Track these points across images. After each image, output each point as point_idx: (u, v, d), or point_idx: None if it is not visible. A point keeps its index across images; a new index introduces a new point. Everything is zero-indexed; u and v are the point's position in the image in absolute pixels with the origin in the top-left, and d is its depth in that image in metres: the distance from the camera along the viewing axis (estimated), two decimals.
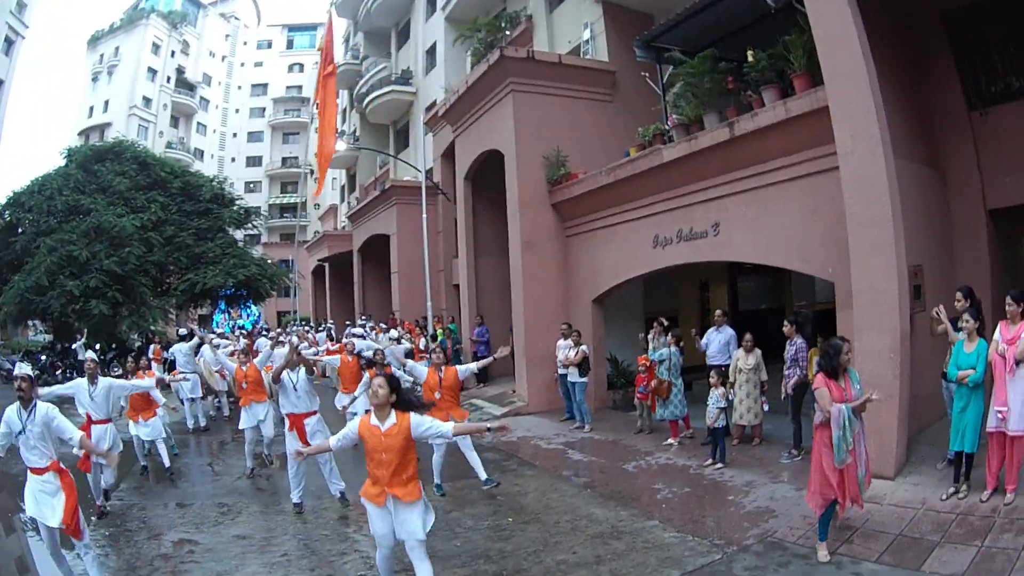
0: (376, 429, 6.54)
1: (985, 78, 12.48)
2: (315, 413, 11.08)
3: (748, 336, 12.94)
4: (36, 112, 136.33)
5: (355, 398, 13.50)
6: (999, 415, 8.08)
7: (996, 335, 8.40)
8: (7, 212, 34.99)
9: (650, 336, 14.82)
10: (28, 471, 7.67)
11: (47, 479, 7.58)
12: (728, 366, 12.94)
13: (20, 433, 7.51)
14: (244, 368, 13.62)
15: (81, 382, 11.14)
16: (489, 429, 7.08)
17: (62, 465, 7.79)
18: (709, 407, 11.94)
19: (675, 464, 12.40)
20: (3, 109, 50.06)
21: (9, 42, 49.39)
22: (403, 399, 6.72)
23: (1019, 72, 12.08)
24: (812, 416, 8.18)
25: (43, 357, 29.15)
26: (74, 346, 27.29)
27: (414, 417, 6.61)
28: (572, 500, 10.74)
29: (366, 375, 13.29)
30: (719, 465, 11.72)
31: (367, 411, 7.01)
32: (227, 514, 10.92)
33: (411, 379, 12.02)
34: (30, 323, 39.39)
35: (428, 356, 14.53)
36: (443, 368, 11.50)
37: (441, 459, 11.24)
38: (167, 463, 13.43)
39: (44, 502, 7.52)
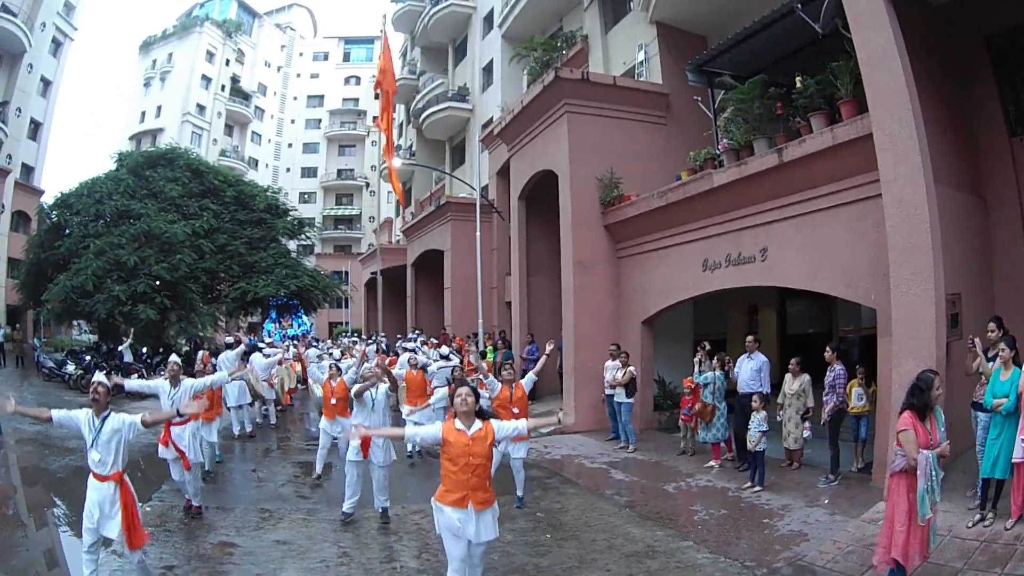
0: (463, 434, 6.91)
1: None
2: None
3: (794, 360, 13.13)
4: (85, 114, 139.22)
5: (414, 410, 13.94)
6: None
7: None
8: (55, 213, 35.60)
9: (696, 359, 15.13)
10: (91, 475, 7.88)
11: (107, 487, 7.79)
12: (760, 393, 12.96)
13: (93, 443, 7.75)
14: (334, 383, 13.90)
15: (163, 383, 11.37)
16: (559, 421, 7.64)
17: (125, 477, 8.00)
18: (750, 431, 12.19)
19: (715, 486, 12.70)
20: (51, 110, 51.27)
21: (57, 43, 50.57)
22: (482, 409, 7.23)
23: None
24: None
25: (87, 357, 29.36)
26: (120, 348, 28.05)
27: (495, 422, 7.15)
28: (611, 519, 11.04)
29: (441, 391, 13.78)
30: (757, 488, 11.97)
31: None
32: (268, 519, 11.22)
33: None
34: (74, 322, 40.08)
35: (477, 372, 14.94)
36: (513, 384, 11.98)
37: (523, 477, 11.61)
38: (207, 465, 13.75)
39: (103, 511, 7.74)
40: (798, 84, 13.70)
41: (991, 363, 9.15)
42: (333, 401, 13.60)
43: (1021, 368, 8.74)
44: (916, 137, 10.33)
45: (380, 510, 11.12)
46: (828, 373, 12.27)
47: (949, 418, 10.19)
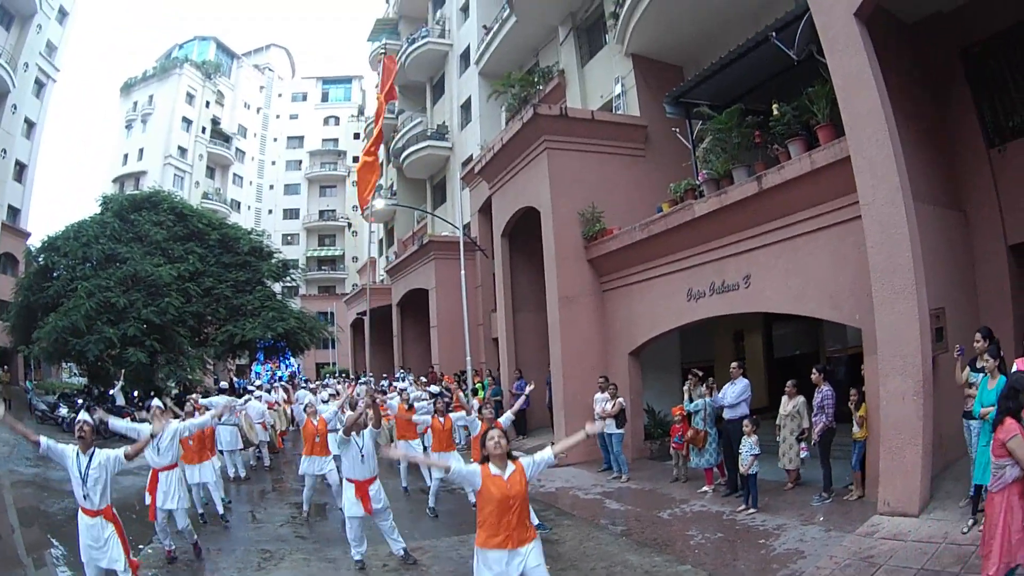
0: (499, 479, 6.96)
1: (1003, 113, 12.99)
2: (375, 478, 11.03)
3: (790, 382, 13.23)
4: (69, 156, 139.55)
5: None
6: None
7: (1014, 370, 8.73)
8: (42, 256, 35.29)
9: (686, 387, 15.26)
10: (79, 510, 8.21)
11: (96, 523, 8.11)
12: (751, 417, 13.05)
13: (82, 479, 8.04)
14: (315, 422, 14.16)
15: (144, 429, 11.09)
16: (587, 435, 7.61)
17: (114, 511, 8.32)
18: (742, 454, 12.36)
19: (709, 511, 12.82)
20: (35, 151, 51.38)
21: (40, 84, 50.77)
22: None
23: None
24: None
25: (79, 400, 29.19)
26: (111, 391, 27.89)
27: (523, 459, 7.22)
28: (608, 548, 11.17)
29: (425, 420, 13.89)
30: (752, 510, 12.11)
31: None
32: (270, 560, 11.36)
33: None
34: (64, 364, 39.86)
35: (465, 408, 15.05)
36: (494, 424, 12.01)
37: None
38: (220, 509, 13.90)
39: (100, 547, 8.09)
40: (775, 111, 13.96)
41: (977, 374, 9.39)
42: (317, 439, 13.84)
43: (1007, 377, 8.90)
44: (894, 158, 10.55)
45: (401, 553, 10.98)
46: (816, 394, 12.38)
47: (939, 430, 10.47)
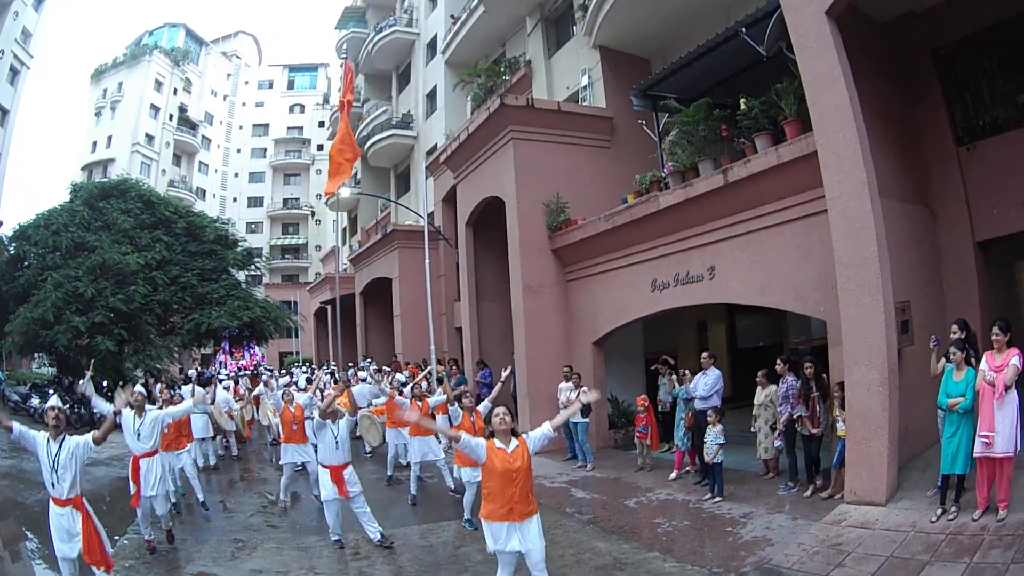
0: (503, 452, 7.35)
1: (972, 112, 13.20)
2: (349, 464, 11.27)
3: (761, 372, 13.31)
4: (40, 142, 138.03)
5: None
6: (984, 441, 8.60)
7: (983, 364, 8.92)
8: (13, 245, 35.06)
9: (666, 378, 15.62)
10: (49, 500, 8.08)
11: (66, 512, 7.98)
12: (715, 407, 13.05)
13: (52, 466, 7.91)
14: (292, 408, 14.14)
15: (127, 414, 11.22)
16: (583, 403, 8.06)
17: (84, 500, 8.16)
18: (707, 443, 12.40)
19: (675, 499, 12.86)
20: (8, 139, 50.48)
21: (14, 72, 49.87)
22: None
23: (1005, 104, 12.77)
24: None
25: (51, 391, 28.54)
26: (81, 381, 27.83)
27: (527, 435, 7.57)
28: (576, 535, 11.20)
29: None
30: (718, 499, 12.16)
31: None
32: (243, 549, 11.29)
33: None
34: (35, 355, 39.55)
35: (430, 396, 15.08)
36: (474, 412, 12.30)
37: (472, 497, 11.52)
38: (201, 497, 13.83)
39: (63, 536, 7.97)
40: (742, 106, 14.06)
41: (943, 363, 9.57)
42: (295, 427, 13.73)
43: (976, 369, 9.03)
44: (861, 154, 10.63)
45: (378, 537, 11.12)
46: (780, 384, 12.42)
47: (906, 420, 10.65)
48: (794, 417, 11.92)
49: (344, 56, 43.31)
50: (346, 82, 30.27)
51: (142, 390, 11.95)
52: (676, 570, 9.14)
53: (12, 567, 10.96)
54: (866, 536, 9.03)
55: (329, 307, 46.15)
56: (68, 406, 16.26)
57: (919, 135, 13.55)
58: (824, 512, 10.42)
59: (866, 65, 11.74)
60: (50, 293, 29.01)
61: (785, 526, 10.38)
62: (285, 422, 14.31)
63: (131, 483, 11.04)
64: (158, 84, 77.52)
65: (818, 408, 11.50)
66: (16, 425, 7.93)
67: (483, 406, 12.44)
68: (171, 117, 78.77)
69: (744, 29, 13.73)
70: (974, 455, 8.83)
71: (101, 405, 12.01)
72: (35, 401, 28.56)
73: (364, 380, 21.03)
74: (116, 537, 11.29)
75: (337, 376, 26.87)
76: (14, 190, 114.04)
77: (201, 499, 13.80)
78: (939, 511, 9.18)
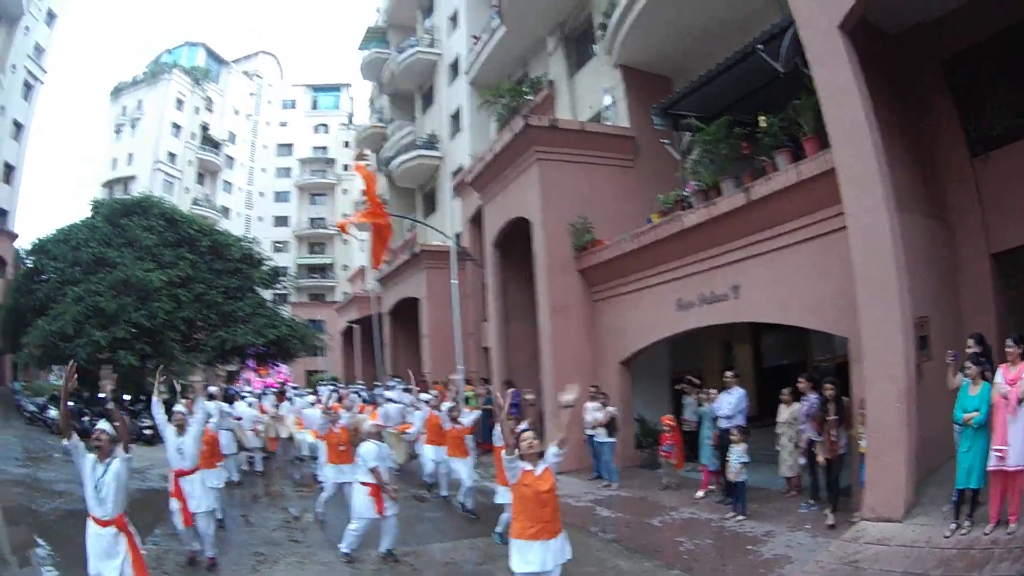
0: (532, 474, 7.66)
1: (985, 122, 13.25)
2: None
3: (786, 390, 13.57)
4: (58, 158, 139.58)
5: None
6: (998, 455, 8.77)
7: (998, 377, 9.08)
8: (31, 258, 35.73)
9: (692, 397, 15.86)
10: (90, 520, 8.09)
11: (107, 532, 8.02)
12: (739, 426, 13.24)
13: (95, 488, 7.96)
14: (336, 430, 14.22)
15: (169, 432, 11.41)
16: (564, 405, 8.30)
17: (127, 520, 8.24)
18: (731, 461, 12.61)
19: (699, 518, 13.09)
20: (23, 152, 51.93)
21: (28, 86, 51.30)
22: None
23: (1017, 112, 12.79)
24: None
25: (71, 403, 28.95)
26: (102, 394, 28.13)
27: (546, 457, 7.84)
28: (599, 554, 11.42)
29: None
30: (740, 517, 12.38)
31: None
32: (264, 563, 11.56)
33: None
34: (53, 367, 39.87)
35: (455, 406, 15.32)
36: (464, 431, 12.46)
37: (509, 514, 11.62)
38: (220, 515, 13.56)
39: (100, 556, 7.96)
40: (762, 123, 14.20)
41: (958, 377, 9.66)
42: (341, 448, 13.86)
43: (991, 383, 9.17)
44: (878, 169, 10.81)
45: (385, 551, 11.42)
46: (803, 402, 12.60)
47: (922, 435, 10.63)
48: (814, 444, 12.01)
49: (366, 157, 43.46)
50: (368, 189, 30.39)
51: (183, 409, 12.10)
52: None
53: (19, 572, 11.22)
54: (883, 553, 9.19)
55: (357, 326, 46.46)
56: (88, 418, 16.47)
57: (933, 147, 13.66)
58: (844, 529, 10.58)
59: (879, 78, 11.90)
60: (70, 307, 29.41)
61: (805, 544, 10.60)
62: (331, 444, 14.34)
63: (173, 500, 11.24)
64: (179, 103, 78.24)
65: (833, 432, 11.49)
66: (75, 438, 8.08)
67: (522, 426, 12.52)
68: (193, 135, 79.42)
69: (761, 46, 13.99)
70: (989, 468, 8.95)
71: (158, 414, 11.81)
72: (52, 413, 28.81)
73: (390, 400, 21.28)
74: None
75: (363, 396, 27.16)
76: (30, 204, 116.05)
77: (220, 517, 13.65)
78: (952, 526, 9.30)
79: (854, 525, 10.51)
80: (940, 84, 13.68)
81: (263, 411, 22.62)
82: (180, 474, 11.24)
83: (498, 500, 11.92)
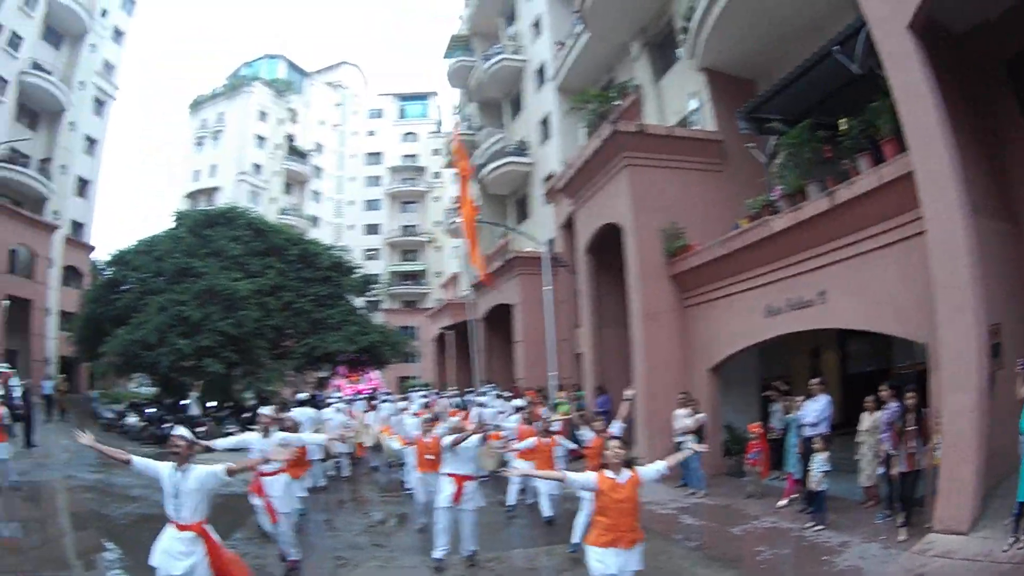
0: (614, 482, 7.84)
1: None
2: (475, 479, 11.95)
3: (870, 398, 13.63)
4: (137, 172, 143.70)
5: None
6: None
7: None
8: (111, 269, 37.04)
9: (781, 404, 16.14)
10: (170, 524, 8.11)
11: (185, 536, 8.04)
12: (821, 434, 13.40)
13: (175, 495, 8.07)
14: (427, 439, 14.29)
15: (252, 436, 11.70)
16: (694, 451, 8.84)
17: (206, 527, 8.30)
18: (812, 471, 12.82)
19: (779, 527, 13.33)
20: (97, 167, 54.18)
21: (99, 102, 53.45)
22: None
23: None
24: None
25: (150, 409, 30.47)
26: (186, 401, 28.87)
27: (639, 468, 8.12)
28: (680, 562, 11.73)
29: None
30: (819, 527, 12.56)
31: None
32: (344, 567, 11.90)
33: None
34: (133, 375, 41.06)
35: (547, 422, 15.47)
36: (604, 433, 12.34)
37: (586, 518, 11.54)
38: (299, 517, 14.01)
39: (173, 554, 8.01)
40: (842, 126, 14.36)
41: None
42: (429, 457, 13.93)
43: None
44: (952, 172, 10.92)
45: (466, 554, 11.78)
46: (884, 410, 12.56)
47: (993, 446, 10.63)
48: (889, 453, 12.08)
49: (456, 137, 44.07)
50: (459, 159, 30.78)
51: (269, 411, 12.49)
52: None
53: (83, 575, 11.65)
54: (947, 566, 9.38)
55: (449, 332, 47.01)
56: (169, 425, 16.96)
57: (1001, 149, 13.55)
58: (915, 540, 10.73)
59: (950, 79, 11.91)
60: (152, 316, 30.25)
61: (877, 555, 10.78)
62: (420, 452, 14.41)
63: (256, 498, 11.69)
64: (262, 114, 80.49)
65: (911, 444, 11.54)
66: (135, 459, 8.22)
67: (617, 427, 12.41)
68: (278, 146, 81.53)
69: (837, 47, 14.20)
70: None
71: (222, 444, 11.41)
72: (132, 419, 29.62)
73: (484, 405, 21.76)
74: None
75: (455, 402, 27.61)
76: (108, 217, 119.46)
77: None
78: (1011, 540, 9.38)
79: (924, 537, 10.62)
80: (1003, 85, 13.65)
81: (352, 416, 23.05)
82: (263, 475, 11.57)
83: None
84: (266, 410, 12.54)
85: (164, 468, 8.13)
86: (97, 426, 31.49)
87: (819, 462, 12.76)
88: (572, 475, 8.31)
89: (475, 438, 12.10)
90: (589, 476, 8.07)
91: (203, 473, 8.10)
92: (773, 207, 16.84)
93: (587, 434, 13.06)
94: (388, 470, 21.93)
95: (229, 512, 12.38)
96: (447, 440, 12.03)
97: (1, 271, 42.61)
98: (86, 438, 8.40)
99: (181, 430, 8.46)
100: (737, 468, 18.37)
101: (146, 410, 30.73)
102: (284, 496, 11.66)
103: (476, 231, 30.51)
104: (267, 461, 10.11)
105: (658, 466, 8.25)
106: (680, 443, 17.04)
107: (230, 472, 8.18)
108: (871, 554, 10.92)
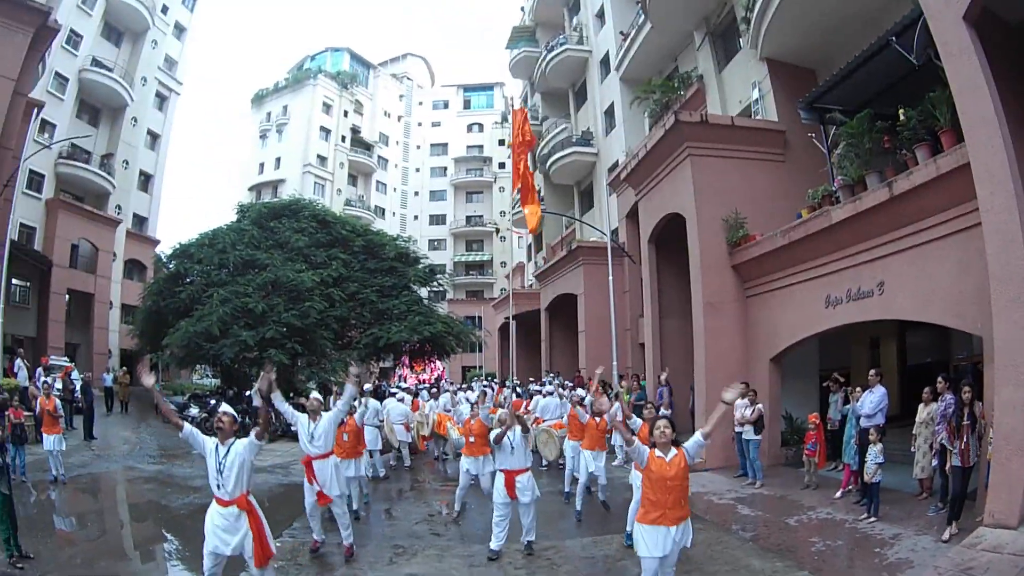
0: (662, 461, 8.06)
1: None
2: (527, 470, 11.97)
3: (927, 389, 13.54)
4: (200, 166, 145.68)
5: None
6: None
7: None
8: (173, 262, 37.67)
9: (839, 395, 16.32)
10: (214, 500, 8.41)
11: (229, 511, 8.30)
12: (876, 426, 13.48)
13: (218, 470, 8.31)
14: (473, 422, 14.69)
15: (302, 418, 11.77)
16: (726, 403, 8.44)
17: (250, 499, 8.47)
18: (867, 462, 12.89)
19: (833, 518, 13.36)
20: (162, 162, 55.58)
21: (162, 97, 54.90)
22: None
23: None
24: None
25: (212, 400, 31.07)
26: (249, 392, 29.43)
27: (684, 445, 8.26)
28: (735, 552, 11.85)
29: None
30: (873, 519, 12.60)
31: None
32: (402, 555, 11.95)
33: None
34: (197, 367, 41.36)
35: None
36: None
37: (634, 508, 11.61)
38: (355, 505, 14.28)
39: (218, 532, 8.27)
40: (901, 116, 14.38)
41: None
42: (471, 439, 14.35)
43: None
44: (1008, 165, 10.78)
45: (525, 543, 12.02)
46: (939, 403, 12.53)
47: None
48: (946, 447, 11.95)
49: (512, 102, 44.38)
50: (515, 130, 31.09)
51: (318, 396, 12.64)
52: None
53: (141, 567, 11.97)
54: (995, 561, 9.31)
55: (514, 322, 47.22)
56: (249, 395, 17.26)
57: None
58: (966, 533, 10.66)
59: (1007, 71, 11.76)
60: (216, 308, 30.52)
61: (928, 548, 10.81)
62: (464, 435, 14.87)
63: (307, 482, 11.82)
64: (326, 107, 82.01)
65: (966, 438, 11.39)
66: (186, 425, 8.51)
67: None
68: (343, 138, 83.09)
69: (894, 38, 14.22)
70: None
71: (284, 407, 11.80)
72: (193, 411, 29.76)
73: (551, 394, 21.90)
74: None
75: (519, 391, 27.85)
76: (174, 211, 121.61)
77: (354, 507, 14.26)
78: None
79: (975, 531, 10.50)
80: None
81: (416, 407, 23.22)
82: (312, 459, 11.79)
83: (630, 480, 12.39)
84: (314, 394, 12.74)
85: (209, 443, 8.45)
86: (159, 418, 31.78)
87: (873, 454, 12.81)
88: (638, 442, 8.47)
89: (519, 430, 12.20)
90: (645, 450, 8.25)
91: (241, 446, 8.40)
92: (834, 197, 16.87)
93: (637, 422, 13.20)
94: (450, 459, 22.15)
95: (289, 502, 12.56)
96: (492, 435, 12.24)
97: (63, 265, 43.80)
98: (148, 379, 8.82)
99: (226, 407, 8.87)
100: (795, 459, 18.55)
101: (208, 401, 31.22)
102: (332, 479, 11.84)
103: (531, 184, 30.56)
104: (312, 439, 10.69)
105: (695, 437, 8.34)
106: (739, 433, 17.32)
107: (257, 436, 8.53)
108: (922, 547, 10.94)
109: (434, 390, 26.78)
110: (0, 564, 10.25)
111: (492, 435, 12.23)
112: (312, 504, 11.85)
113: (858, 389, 15.06)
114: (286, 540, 12.49)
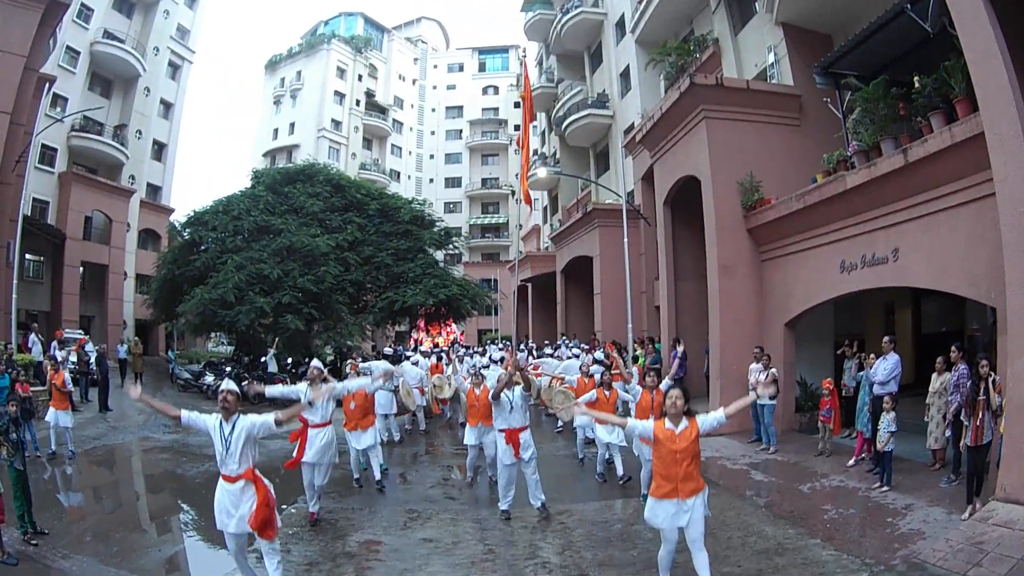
0: (671, 432, 8.02)
1: None
2: (527, 428, 12.19)
3: (940, 359, 13.51)
4: (213, 133, 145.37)
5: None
6: None
7: None
8: (188, 231, 37.82)
9: (854, 361, 16.28)
10: (220, 477, 8.46)
11: (235, 488, 8.33)
12: (890, 393, 13.52)
13: (223, 446, 8.33)
14: (478, 391, 14.56)
15: (303, 387, 11.83)
16: (757, 397, 8.71)
17: (257, 472, 8.51)
18: (880, 431, 12.88)
19: (846, 486, 13.40)
20: (175, 131, 55.58)
21: (174, 67, 54.75)
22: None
23: None
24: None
25: (227, 368, 31.20)
26: (264, 359, 29.53)
27: (699, 417, 8.21)
28: (747, 518, 11.96)
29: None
30: (885, 488, 12.60)
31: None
32: (416, 519, 12.23)
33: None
34: (212, 334, 42.00)
35: (624, 376, 15.46)
36: (655, 391, 12.51)
37: (648, 472, 11.79)
38: (378, 475, 14.43)
39: (228, 511, 8.30)
40: (916, 84, 14.32)
41: None
42: (475, 407, 14.35)
43: None
44: (1022, 134, 10.70)
45: (539, 505, 12.18)
46: (952, 372, 12.51)
47: None
48: (958, 419, 11.90)
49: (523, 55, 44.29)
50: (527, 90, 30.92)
51: (318, 364, 12.74)
52: (832, 559, 9.74)
53: (157, 538, 11.91)
54: (1006, 536, 9.30)
55: (529, 285, 47.25)
56: (247, 382, 17.25)
57: None
58: (978, 506, 10.63)
59: (1021, 41, 11.69)
60: (231, 275, 30.73)
61: (940, 520, 10.80)
62: (469, 403, 14.80)
63: (297, 446, 11.99)
64: (340, 71, 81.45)
65: (981, 414, 11.07)
66: (184, 413, 8.53)
67: (664, 384, 12.61)
68: (358, 102, 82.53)
69: (909, 5, 14.12)
70: None
71: (274, 392, 12.25)
72: (209, 379, 30.25)
73: (576, 356, 22.23)
74: (283, 507, 12.02)
75: (535, 354, 28.03)
76: (187, 179, 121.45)
77: (378, 478, 14.44)
78: None
79: (987, 504, 10.46)
80: None
81: (435, 371, 23.18)
82: (309, 426, 11.99)
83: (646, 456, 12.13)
84: (314, 363, 12.78)
85: (212, 420, 8.48)
86: (175, 387, 32.74)
87: (886, 422, 12.81)
88: (633, 421, 8.62)
89: (518, 389, 12.33)
90: (648, 424, 8.29)
91: (249, 422, 8.43)
92: (849, 162, 16.80)
93: (637, 390, 13.22)
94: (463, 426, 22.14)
95: (299, 473, 12.66)
96: (490, 393, 12.40)
97: (77, 238, 43.91)
98: (135, 392, 8.92)
99: (229, 384, 8.85)
100: (809, 425, 18.57)
101: (223, 368, 31.36)
102: (319, 449, 11.98)
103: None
104: (310, 403, 10.78)
105: (718, 414, 8.22)
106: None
107: (278, 422, 8.54)
108: (933, 518, 10.94)
109: (447, 353, 26.71)
110: (15, 540, 10.38)
111: (491, 393, 12.38)
112: (309, 481, 12.00)
113: (872, 356, 15.13)
114: (300, 506, 12.66)
